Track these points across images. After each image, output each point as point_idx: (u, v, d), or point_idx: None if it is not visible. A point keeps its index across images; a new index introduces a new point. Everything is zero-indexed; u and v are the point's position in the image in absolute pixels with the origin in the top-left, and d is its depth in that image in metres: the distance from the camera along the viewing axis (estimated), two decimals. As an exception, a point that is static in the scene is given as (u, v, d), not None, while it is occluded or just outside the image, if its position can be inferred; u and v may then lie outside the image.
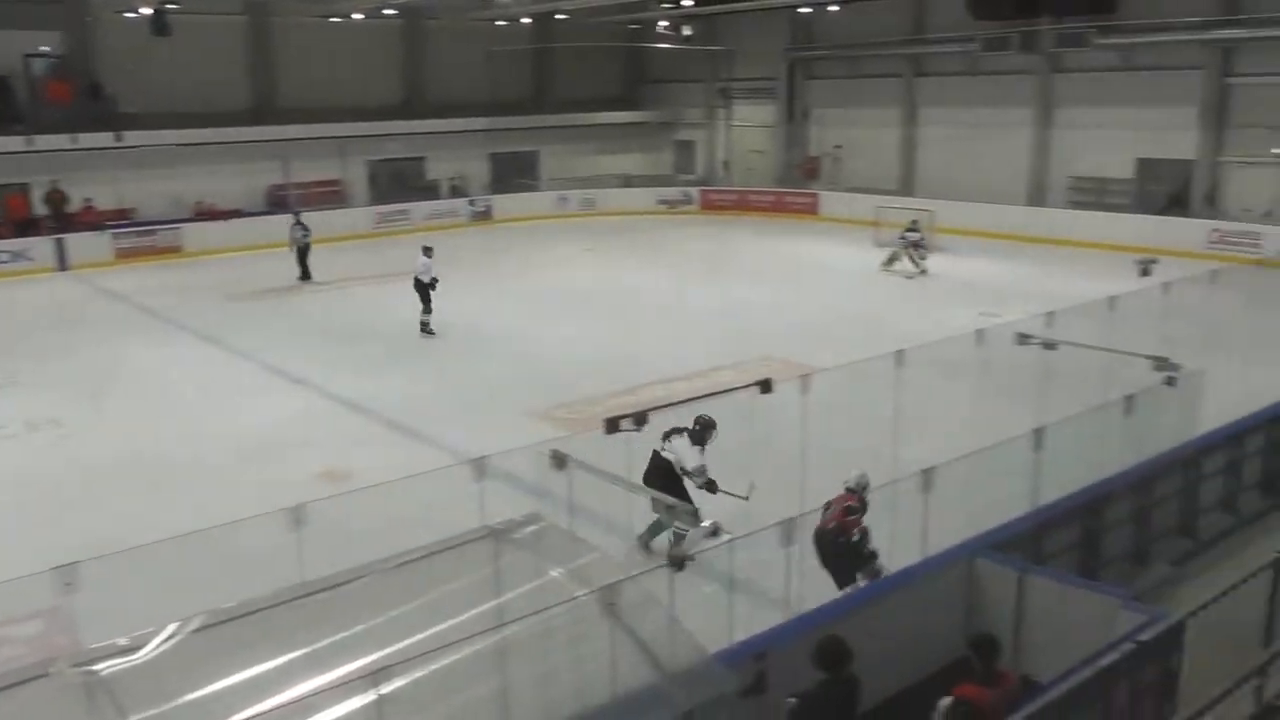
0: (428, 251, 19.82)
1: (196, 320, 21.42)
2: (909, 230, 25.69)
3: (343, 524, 7.88)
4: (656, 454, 10.12)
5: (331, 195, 34.86)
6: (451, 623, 5.48)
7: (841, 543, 8.46)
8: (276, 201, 33.57)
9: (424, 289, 19.64)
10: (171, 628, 5.22)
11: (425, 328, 19.80)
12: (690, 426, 10.22)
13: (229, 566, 7.97)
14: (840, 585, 8.50)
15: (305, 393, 16.36)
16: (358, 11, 32.61)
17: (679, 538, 9.77)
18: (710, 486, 10.09)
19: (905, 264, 25.40)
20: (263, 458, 13.32)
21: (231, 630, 5.43)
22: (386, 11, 33.18)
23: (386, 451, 13.39)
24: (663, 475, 9.99)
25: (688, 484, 10.11)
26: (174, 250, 29.84)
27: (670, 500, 9.03)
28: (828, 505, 8.64)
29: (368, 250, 30.28)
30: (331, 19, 33.83)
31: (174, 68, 31.04)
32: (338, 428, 14.68)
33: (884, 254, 26.07)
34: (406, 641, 5.27)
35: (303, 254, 25.69)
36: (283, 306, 23.08)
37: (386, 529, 7.65)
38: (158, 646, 5.12)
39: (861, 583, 8.48)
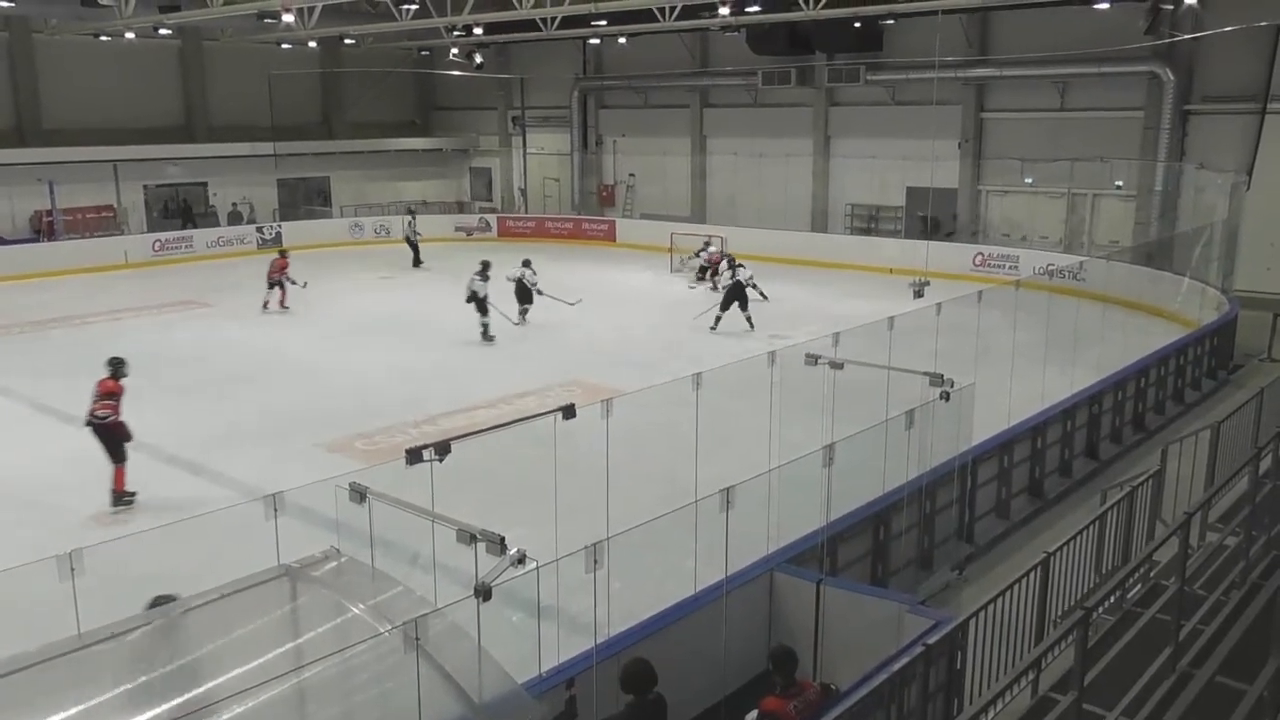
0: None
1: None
2: (702, 251, 28.27)
3: (123, 570, 7.38)
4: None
5: (104, 222, 32.88)
6: (246, 668, 5.21)
7: None
8: (43, 229, 31.38)
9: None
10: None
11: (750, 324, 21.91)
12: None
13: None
14: None
15: (76, 431, 15.23)
16: (129, 30, 30.93)
17: None
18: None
19: (708, 279, 27.54)
20: (26, 502, 12.38)
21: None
22: (162, 31, 31.60)
23: (170, 491, 12.68)
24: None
25: None
26: (-78, 281, 27.36)
27: None
28: None
29: (145, 279, 28.66)
30: (102, 37, 31.94)
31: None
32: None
33: (689, 276, 28.39)
34: (196, 691, 4.98)
35: (415, 246, 31.37)
36: (49, 340, 21.52)
37: (172, 574, 7.21)
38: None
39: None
